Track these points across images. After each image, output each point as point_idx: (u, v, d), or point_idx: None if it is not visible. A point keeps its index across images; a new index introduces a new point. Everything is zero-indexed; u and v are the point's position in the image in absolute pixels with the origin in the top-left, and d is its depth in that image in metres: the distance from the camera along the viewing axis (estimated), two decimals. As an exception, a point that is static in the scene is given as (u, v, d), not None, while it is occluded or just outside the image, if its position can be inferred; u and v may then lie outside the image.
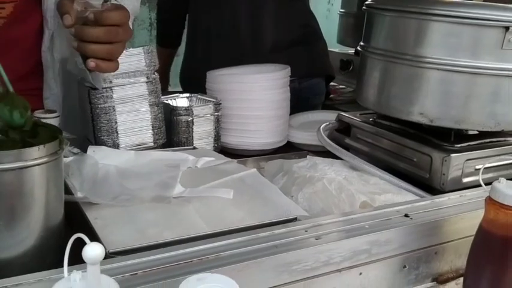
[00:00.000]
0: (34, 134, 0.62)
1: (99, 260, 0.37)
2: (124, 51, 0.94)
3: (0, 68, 0.61)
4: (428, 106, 0.95)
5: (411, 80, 0.97)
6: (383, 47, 1.02)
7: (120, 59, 0.93)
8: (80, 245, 0.42)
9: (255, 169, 0.91)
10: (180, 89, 1.58)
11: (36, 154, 0.56)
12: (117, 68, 0.81)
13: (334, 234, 0.69)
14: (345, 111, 1.35)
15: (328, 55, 1.62)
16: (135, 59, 0.95)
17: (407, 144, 1.00)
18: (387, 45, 1.02)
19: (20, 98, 0.60)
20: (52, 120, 0.93)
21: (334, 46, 2.08)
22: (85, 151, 0.90)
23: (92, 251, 0.37)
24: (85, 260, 0.37)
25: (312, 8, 1.60)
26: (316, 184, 0.84)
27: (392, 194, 0.86)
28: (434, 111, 0.95)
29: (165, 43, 1.78)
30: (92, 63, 0.77)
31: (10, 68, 1.09)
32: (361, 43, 1.09)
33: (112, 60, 0.80)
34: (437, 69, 0.93)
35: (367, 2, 1.09)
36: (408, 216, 0.76)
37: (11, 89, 0.62)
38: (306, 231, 0.69)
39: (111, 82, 0.92)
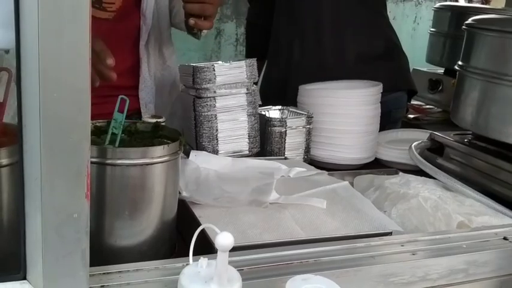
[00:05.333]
0: (156, 135, 0.68)
1: (229, 248, 0.41)
2: (228, 64, 1.01)
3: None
4: (530, 129, 0.93)
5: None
6: (483, 67, 1.01)
7: (224, 71, 1.00)
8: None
9: (347, 182, 0.93)
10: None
11: (160, 152, 0.62)
12: (211, 26, 1.02)
13: (431, 251, 0.70)
14: (432, 131, 1.34)
15: (409, 70, 1.61)
16: (238, 71, 1.00)
17: (504, 167, 0.98)
18: (488, 65, 1.00)
19: None
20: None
21: (421, 65, 2.05)
22: (186, 154, 0.96)
23: (224, 239, 0.41)
24: (217, 247, 0.41)
25: (397, 26, 1.60)
26: (410, 201, 0.84)
27: (489, 216, 0.84)
28: (536, 134, 0.92)
29: (253, 56, 1.83)
30: (191, 21, 0.99)
31: (115, 62, 1.20)
32: (460, 62, 1.08)
33: (206, 19, 1.00)
34: (541, 91, 0.91)
35: (467, 22, 1.08)
36: (507, 239, 0.74)
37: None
38: (402, 245, 0.70)
39: (215, 92, 0.98)
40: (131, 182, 0.61)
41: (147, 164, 0.61)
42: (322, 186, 0.90)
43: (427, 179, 0.97)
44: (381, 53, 1.48)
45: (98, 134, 0.70)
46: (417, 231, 0.81)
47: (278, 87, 1.53)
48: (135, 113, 1.16)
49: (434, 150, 1.13)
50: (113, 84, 1.16)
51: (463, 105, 1.05)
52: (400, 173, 1.02)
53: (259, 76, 1.89)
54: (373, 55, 1.47)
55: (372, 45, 1.48)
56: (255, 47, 1.83)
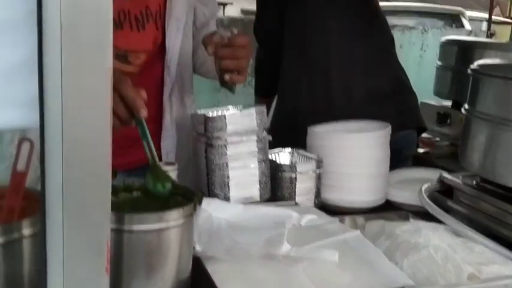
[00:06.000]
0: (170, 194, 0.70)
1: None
2: (238, 112, 1.03)
3: (149, 139, 0.70)
4: (537, 175, 0.93)
5: (519, 147, 0.96)
6: (489, 112, 1.02)
7: (235, 120, 1.02)
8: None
9: (359, 231, 0.94)
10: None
11: (175, 216, 0.64)
12: (245, 80, 1.06)
13: (443, 306, 0.71)
14: (443, 167, 1.34)
15: (418, 107, 1.62)
16: (248, 119, 1.03)
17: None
18: (494, 111, 1.02)
19: (163, 170, 0.69)
20: (171, 172, 1.02)
21: (428, 97, 2.06)
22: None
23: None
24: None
25: (404, 54, 1.63)
26: (421, 252, 0.85)
27: (499, 265, 0.84)
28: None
29: (263, 93, 1.87)
30: (227, 76, 1.03)
31: None
32: (466, 106, 1.10)
33: (240, 73, 1.04)
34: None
35: (473, 67, 1.10)
36: (518, 292, 0.75)
37: (157, 160, 0.71)
38: (414, 301, 0.70)
39: (226, 140, 1.01)
40: (147, 246, 0.63)
41: (163, 230, 0.63)
42: (333, 236, 0.91)
43: (438, 225, 0.98)
44: (389, 91, 1.50)
45: (115, 194, 0.72)
46: (428, 283, 0.82)
47: (288, 124, 1.55)
48: None
49: (444, 192, 1.14)
50: (133, 134, 1.20)
51: (470, 150, 1.06)
52: (411, 220, 1.03)
53: (268, 112, 1.91)
54: (381, 93, 1.49)
55: (380, 84, 1.51)
56: (264, 83, 1.86)
